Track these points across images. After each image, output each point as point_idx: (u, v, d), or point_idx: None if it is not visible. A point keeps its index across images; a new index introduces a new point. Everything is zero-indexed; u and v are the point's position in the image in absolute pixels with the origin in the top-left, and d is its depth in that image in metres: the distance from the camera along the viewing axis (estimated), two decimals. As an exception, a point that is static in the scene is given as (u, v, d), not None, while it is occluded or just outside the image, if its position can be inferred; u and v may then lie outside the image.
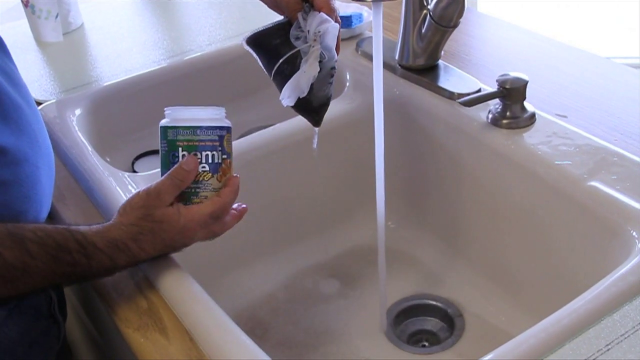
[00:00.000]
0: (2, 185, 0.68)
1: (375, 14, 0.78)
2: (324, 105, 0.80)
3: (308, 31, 0.75)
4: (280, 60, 0.75)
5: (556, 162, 0.82)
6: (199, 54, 1.20)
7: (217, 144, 0.70)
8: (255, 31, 0.78)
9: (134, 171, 1.09)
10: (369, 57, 1.09)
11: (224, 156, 0.71)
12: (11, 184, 0.70)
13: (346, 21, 1.14)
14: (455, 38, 1.01)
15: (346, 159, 1.05)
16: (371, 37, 1.14)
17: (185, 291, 0.70)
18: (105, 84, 1.12)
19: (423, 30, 0.98)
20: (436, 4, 0.94)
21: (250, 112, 1.21)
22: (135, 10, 1.41)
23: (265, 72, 0.79)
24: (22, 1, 1.26)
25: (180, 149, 0.69)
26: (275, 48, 0.76)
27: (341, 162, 1.05)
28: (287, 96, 0.75)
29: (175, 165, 0.69)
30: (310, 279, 1.01)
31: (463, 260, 0.98)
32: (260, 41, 0.78)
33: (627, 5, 3.09)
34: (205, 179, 0.70)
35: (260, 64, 0.79)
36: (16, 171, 0.70)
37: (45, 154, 0.76)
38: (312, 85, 0.75)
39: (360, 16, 1.16)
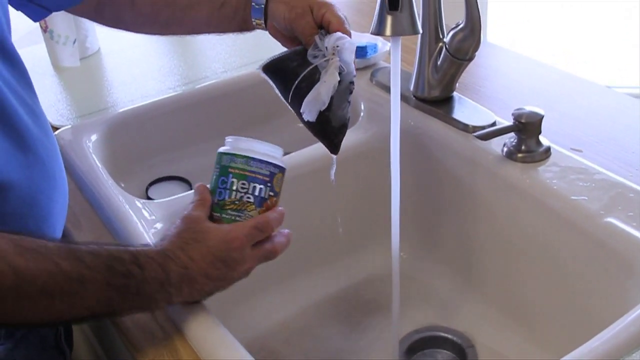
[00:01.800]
0: (16, 217, 0.69)
1: (394, 49, 0.78)
2: (343, 127, 0.80)
3: (326, 48, 0.75)
4: (300, 76, 0.75)
5: (572, 197, 0.82)
6: (214, 81, 1.21)
7: (267, 179, 0.71)
8: (272, 58, 0.78)
9: (148, 197, 1.10)
10: (384, 87, 1.10)
11: (271, 193, 0.72)
12: (25, 217, 0.70)
13: (361, 51, 1.15)
14: (469, 70, 1.01)
15: (360, 189, 1.05)
16: (386, 67, 1.15)
17: (201, 322, 0.70)
18: (121, 110, 1.13)
19: (439, 63, 0.98)
20: (452, 37, 0.95)
21: (264, 139, 1.21)
22: (151, 36, 1.42)
23: (282, 99, 0.79)
24: (40, 26, 1.27)
25: (231, 175, 0.71)
26: (292, 70, 0.77)
27: (354, 192, 1.05)
28: (309, 110, 0.75)
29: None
30: (323, 309, 1.01)
31: (477, 292, 0.98)
32: (277, 66, 0.78)
33: (631, 34, 3.11)
34: (248, 209, 0.71)
35: (277, 90, 0.79)
36: (31, 204, 0.70)
37: (60, 185, 0.76)
38: (332, 100, 0.75)
39: (375, 46, 1.17)
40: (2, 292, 0.57)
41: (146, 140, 1.14)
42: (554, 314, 0.87)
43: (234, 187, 0.71)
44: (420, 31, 0.79)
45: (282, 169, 0.73)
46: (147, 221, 0.86)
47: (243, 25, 0.87)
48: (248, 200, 0.71)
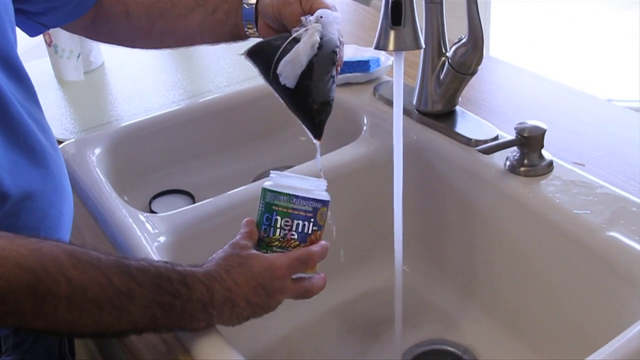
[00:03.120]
0: (29, 230, 0.69)
1: (397, 63, 0.79)
2: (325, 104, 0.75)
3: (309, 21, 0.73)
4: (282, 47, 0.72)
5: (574, 211, 0.82)
6: (217, 95, 1.22)
7: (311, 215, 0.72)
8: (257, 42, 0.77)
9: (151, 210, 1.10)
10: (387, 102, 1.10)
11: (315, 228, 0.72)
12: (37, 230, 0.71)
13: (364, 65, 1.15)
14: (472, 84, 1.02)
15: (362, 203, 1.06)
16: (388, 81, 1.16)
17: (203, 337, 0.70)
18: (124, 123, 1.14)
19: (441, 77, 0.99)
20: (455, 51, 0.95)
21: (268, 153, 1.22)
22: (155, 50, 1.43)
23: (265, 81, 0.76)
24: (45, 41, 1.28)
25: (275, 212, 0.71)
26: (276, 47, 0.74)
27: (357, 206, 1.05)
28: (286, 73, 0.71)
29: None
30: (326, 323, 1.00)
31: (480, 306, 0.98)
32: (261, 48, 0.76)
33: (631, 48, 3.13)
34: (292, 246, 0.72)
35: (260, 73, 0.76)
36: (42, 217, 0.71)
37: (67, 199, 0.77)
38: (312, 66, 0.72)
39: (377, 60, 1.18)
40: (56, 301, 0.59)
41: (150, 154, 1.15)
42: (556, 327, 0.87)
43: (278, 225, 0.72)
44: (423, 46, 0.80)
45: (325, 203, 0.73)
46: (150, 234, 0.87)
47: (235, 31, 0.87)
48: (292, 237, 0.72)
